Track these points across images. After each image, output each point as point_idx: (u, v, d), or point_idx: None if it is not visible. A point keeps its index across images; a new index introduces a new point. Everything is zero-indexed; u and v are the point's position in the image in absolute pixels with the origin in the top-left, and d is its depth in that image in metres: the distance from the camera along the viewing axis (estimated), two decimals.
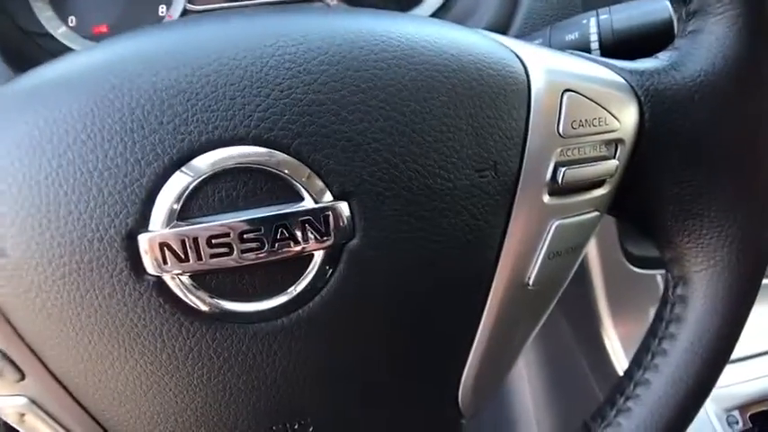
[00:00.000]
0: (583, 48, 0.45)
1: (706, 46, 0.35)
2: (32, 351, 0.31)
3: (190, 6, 0.60)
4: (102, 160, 0.28)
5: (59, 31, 0.59)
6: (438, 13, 0.63)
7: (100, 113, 0.28)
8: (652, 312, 0.69)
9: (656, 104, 0.35)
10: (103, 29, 0.60)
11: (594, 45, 0.45)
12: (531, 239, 0.34)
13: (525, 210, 0.33)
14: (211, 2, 0.60)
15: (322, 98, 0.29)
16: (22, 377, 0.31)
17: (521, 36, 0.55)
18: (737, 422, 0.67)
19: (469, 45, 0.33)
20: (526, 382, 0.89)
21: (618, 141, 0.35)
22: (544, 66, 0.34)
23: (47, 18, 0.59)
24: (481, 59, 0.32)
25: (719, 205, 0.36)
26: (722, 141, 0.36)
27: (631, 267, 0.66)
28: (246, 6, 0.60)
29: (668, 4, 0.44)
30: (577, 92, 0.33)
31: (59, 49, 0.59)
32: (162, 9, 0.60)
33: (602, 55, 0.44)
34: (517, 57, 0.34)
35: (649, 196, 0.37)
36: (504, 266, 0.33)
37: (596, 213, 0.35)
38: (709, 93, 0.35)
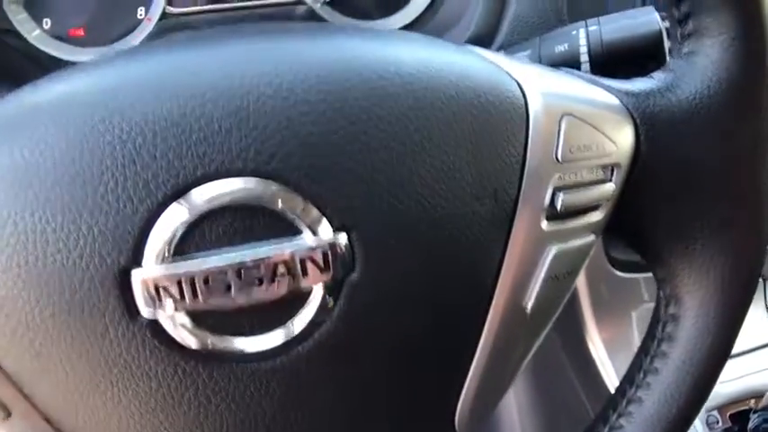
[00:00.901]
0: (573, 59, 0.44)
1: (701, 69, 0.35)
2: (19, 389, 0.30)
3: (169, 9, 0.58)
4: (92, 197, 0.27)
5: (33, 34, 0.57)
6: (423, 17, 0.62)
7: (89, 147, 0.27)
8: (635, 316, 0.70)
9: (651, 127, 0.35)
10: (80, 32, 0.58)
11: (584, 57, 0.45)
12: (530, 265, 0.33)
13: (523, 236, 0.33)
14: (190, 5, 0.59)
15: (321, 129, 0.28)
16: (8, 415, 0.30)
17: (508, 44, 0.54)
18: (717, 422, 0.68)
19: (466, 68, 0.32)
20: (511, 392, 0.89)
21: (614, 165, 0.34)
22: (541, 88, 0.33)
23: (20, 21, 0.56)
24: (479, 84, 0.32)
25: (713, 227, 0.36)
26: (717, 165, 0.35)
27: (614, 271, 0.66)
28: (227, 11, 0.59)
29: (657, 16, 0.44)
30: (575, 116, 0.33)
31: (33, 53, 0.57)
32: (140, 11, 0.58)
33: (592, 66, 0.44)
34: (514, 79, 0.33)
35: (643, 217, 0.37)
36: (501, 292, 0.33)
37: (593, 237, 0.35)
38: (704, 116, 0.35)
